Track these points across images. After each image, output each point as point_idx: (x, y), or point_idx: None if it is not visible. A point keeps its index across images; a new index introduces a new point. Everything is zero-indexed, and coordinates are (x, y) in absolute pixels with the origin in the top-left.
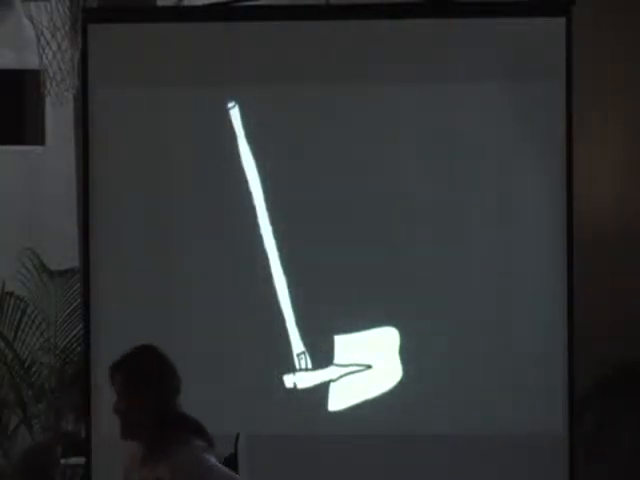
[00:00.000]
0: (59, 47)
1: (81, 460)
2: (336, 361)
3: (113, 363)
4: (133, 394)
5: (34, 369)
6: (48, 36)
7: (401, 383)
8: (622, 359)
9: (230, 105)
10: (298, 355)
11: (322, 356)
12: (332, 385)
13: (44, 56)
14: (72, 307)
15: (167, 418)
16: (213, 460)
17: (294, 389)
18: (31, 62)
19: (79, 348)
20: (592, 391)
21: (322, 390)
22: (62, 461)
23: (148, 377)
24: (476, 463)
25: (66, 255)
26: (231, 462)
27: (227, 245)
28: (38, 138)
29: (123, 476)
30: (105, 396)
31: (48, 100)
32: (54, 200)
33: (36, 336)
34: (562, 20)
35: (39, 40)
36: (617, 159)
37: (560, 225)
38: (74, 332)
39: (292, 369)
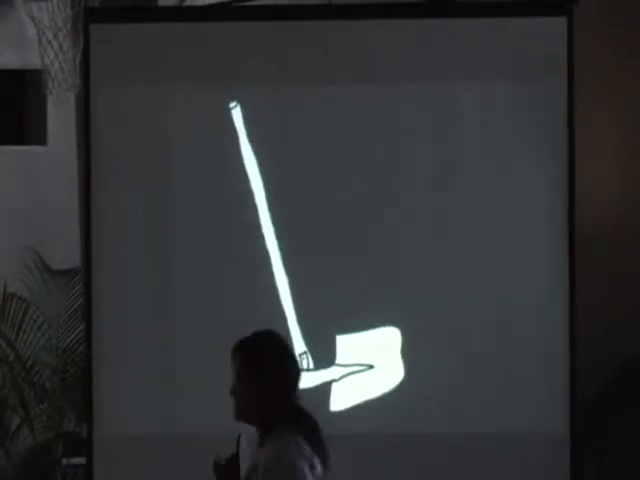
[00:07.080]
0: (61, 47)
1: (82, 460)
2: (338, 361)
3: (236, 343)
4: (250, 376)
5: (36, 369)
6: (50, 36)
7: (403, 383)
8: (622, 359)
9: (232, 105)
10: (300, 355)
11: (324, 356)
12: (334, 385)
13: (46, 56)
14: (74, 307)
15: (279, 407)
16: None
17: None
18: (33, 62)
19: (81, 348)
20: (592, 391)
21: (324, 390)
22: (63, 461)
23: (267, 361)
24: (476, 463)
25: (67, 255)
26: (233, 462)
27: (228, 245)
28: (40, 138)
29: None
30: (106, 396)
31: (50, 100)
32: (56, 200)
33: (38, 336)
34: (563, 19)
35: (41, 40)
36: (618, 159)
37: (561, 225)
38: (76, 332)
39: None
